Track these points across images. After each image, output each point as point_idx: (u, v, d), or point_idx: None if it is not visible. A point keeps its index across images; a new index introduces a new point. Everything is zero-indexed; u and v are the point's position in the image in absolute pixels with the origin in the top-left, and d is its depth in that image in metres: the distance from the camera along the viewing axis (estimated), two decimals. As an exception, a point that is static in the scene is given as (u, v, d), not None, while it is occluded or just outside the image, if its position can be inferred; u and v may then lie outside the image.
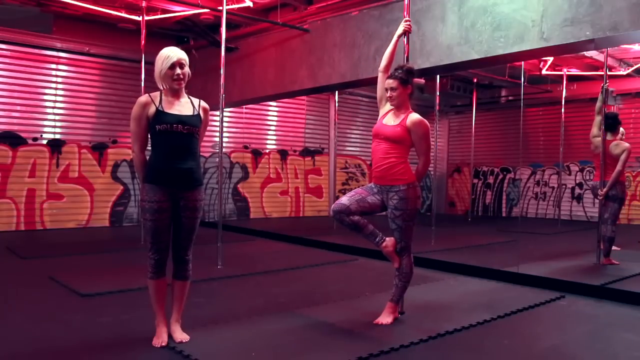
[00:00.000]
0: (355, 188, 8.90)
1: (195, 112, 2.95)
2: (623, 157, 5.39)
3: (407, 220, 3.36)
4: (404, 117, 3.39)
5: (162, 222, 2.87)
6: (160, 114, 2.84)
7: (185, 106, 2.94)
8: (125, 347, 2.92)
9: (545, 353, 2.99)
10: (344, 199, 3.40)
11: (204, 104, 3.04)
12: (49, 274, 4.72)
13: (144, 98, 2.88)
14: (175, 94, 2.92)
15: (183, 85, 2.91)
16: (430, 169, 11.93)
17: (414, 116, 3.38)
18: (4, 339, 3.02)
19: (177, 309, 3.04)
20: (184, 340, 2.94)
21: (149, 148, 2.93)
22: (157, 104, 2.86)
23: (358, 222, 3.36)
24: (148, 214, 2.85)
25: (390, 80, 3.43)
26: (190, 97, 3.01)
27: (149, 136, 2.92)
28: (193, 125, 2.91)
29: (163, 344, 2.91)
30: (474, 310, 3.79)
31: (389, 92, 3.43)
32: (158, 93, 2.92)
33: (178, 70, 2.85)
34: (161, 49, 2.95)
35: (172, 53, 2.86)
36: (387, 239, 3.39)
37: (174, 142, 2.86)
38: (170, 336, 2.97)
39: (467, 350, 2.99)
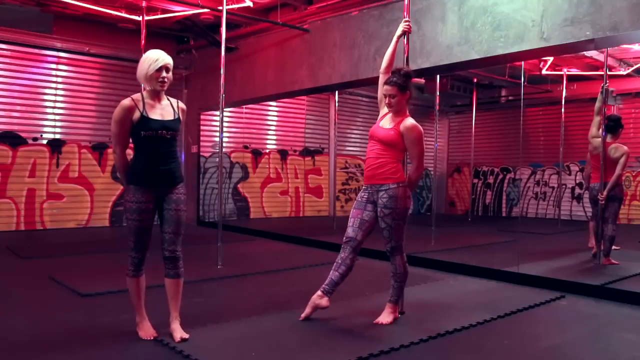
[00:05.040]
0: (355, 189, 8.82)
1: (176, 116, 3.05)
2: (622, 160, 5.42)
3: (397, 219, 3.36)
4: (399, 122, 3.38)
5: (146, 222, 2.96)
6: (145, 120, 2.92)
7: (166, 109, 3.02)
8: (125, 347, 2.92)
9: (545, 353, 2.99)
10: (350, 232, 3.44)
11: (182, 104, 3.14)
12: (49, 274, 4.72)
13: (127, 102, 2.94)
14: (157, 96, 3.01)
15: (166, 88, 3.00)
16: (430, 169, 11.93)
17: (408, 121, 3.37)
18: (4, 339, 3.02)
19: (174, 307, 3.05)
20: (184, 337, 2.94)
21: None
22: (141, 108, 2.93)
23: (343, 275, 3.43)
24: (135, 214, 2.93)
25: (389, 87, 3.40)
26: (169, 98, 3.09)
27: (131, 139, 2.99)
28: (175, 130, 3.02)
29: (155, 335, 2.99)
30: (474, 310, 3.79)
31: (387, 98, 3.41)
32: (139, 95, 2.99)
33: (164, 74, 2.95)
34: (161, 49, 3.03)
35: (160, 56, 2.94)
36: (321, 297, 3.42)
37: (158, 146, 2.96)
38: (170, 335, 2.99)
39: (467, 350, 2.99)
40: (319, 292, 3.42)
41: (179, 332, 2.98)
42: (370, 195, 3.44)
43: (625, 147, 5.48)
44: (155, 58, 2.93)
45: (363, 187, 3.51)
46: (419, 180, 3.48)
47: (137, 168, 2.97)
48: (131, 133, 2.96)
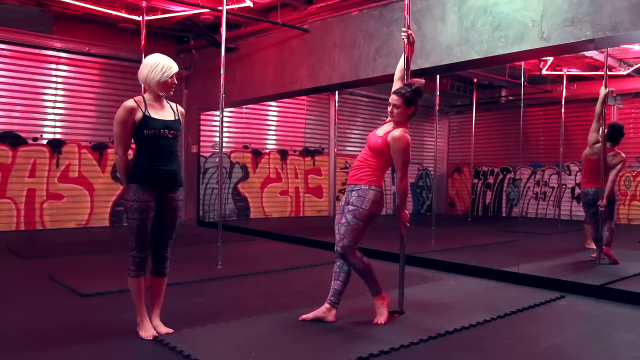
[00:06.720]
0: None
1: (176, 117, 3.12)
2: (619, 167, 5.53)
3: (358, 218, 3.32)
4: (390, 131, 3.37)
5: (148, 220, 2.99)
6: (147, 119, 2.97)
7: (167, 111, 3.09)
8: (125, 347, 2.92)
9: (545, 353, 2.99)
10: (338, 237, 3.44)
11: (181, 108, 3.22)
12: (49, 274, 4.72)
13: (130, 103, 2.99)
14: (158, 99, 3.07)
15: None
16: (430, 168, 11.93)
17: (396, 132, 3.34)
18: (4, 339, 3.02)
19: (157, 304, 3.16)
20: (169, 333, 3.07)
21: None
22: (144, 109, 2.98)
23: (344, 282, 3.44)
24: (136, 213, 2.95)
25: (395, 97, 3.39)
26: (168, 101, 3.16)
27: (133, 139, 3.04)
28: (177, 130, 3.07)
29: (155, 335, 3.03)
30: (474, 310, 3.79)
31: (390, 107, 3.40)
32: (141, 98, 3.04)
33: (175, 80, 3.04)
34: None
35: (172, 63, 3.04)
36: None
37: (160, 145, 3.00)
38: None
39: (467, 350, 2.99)
40: (326, 305, 3.41)
41: (162, 328, 3.11)
42: (346, 197, 3.45)
43: (623, 155, 5.59)
44: (169, 65, 3.01)
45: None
46: (406, 193, 3.43)
47: (139, 167, 3.00)
48: (133, 133, 3.00)
